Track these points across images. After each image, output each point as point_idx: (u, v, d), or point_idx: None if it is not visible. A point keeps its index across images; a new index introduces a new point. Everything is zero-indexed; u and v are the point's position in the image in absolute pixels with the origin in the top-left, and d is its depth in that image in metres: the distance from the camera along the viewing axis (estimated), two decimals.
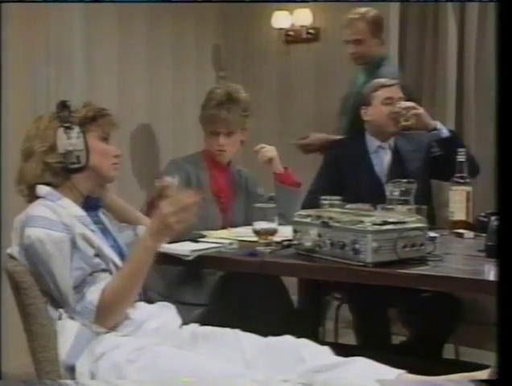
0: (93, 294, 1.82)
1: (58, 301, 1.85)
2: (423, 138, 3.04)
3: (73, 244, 1.84)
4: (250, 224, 2.28)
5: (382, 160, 3.09)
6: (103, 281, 1.86)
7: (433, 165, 3.00)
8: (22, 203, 1.96)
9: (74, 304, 1.82)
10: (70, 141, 1.92)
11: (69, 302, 1.83)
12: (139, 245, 1.89)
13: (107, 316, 1.82)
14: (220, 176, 2.84)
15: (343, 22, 3.69)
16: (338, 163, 3.11)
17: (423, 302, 2.80)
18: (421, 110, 2.97)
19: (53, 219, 1.84)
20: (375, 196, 2.66)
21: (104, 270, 1.89)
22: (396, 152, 3.08)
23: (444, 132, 2.97)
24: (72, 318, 1.84)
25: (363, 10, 3.64)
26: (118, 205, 2.28)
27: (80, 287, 1.82)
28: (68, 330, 1.80)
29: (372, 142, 3.12)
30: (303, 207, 2.93)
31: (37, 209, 1.87)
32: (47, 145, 1.93)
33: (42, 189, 1.92)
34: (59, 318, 1.83)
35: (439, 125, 2.99)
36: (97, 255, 1.88)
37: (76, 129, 1.92)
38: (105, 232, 2.01)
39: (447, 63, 4.11)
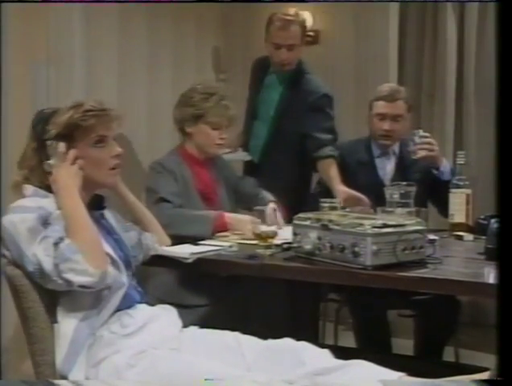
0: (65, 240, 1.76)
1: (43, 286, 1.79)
2: None
3: (46, 222, 1.80)
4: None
5: (385, 165, 3.09)
6: None
7: (430, 182, 2.95)
8: None
9: (48, 266, 1.72)
10: (48, 162, 1.91)
11: (43, 269, 1.73)
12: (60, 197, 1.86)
13: (84, 251, 1.74)
14: (201, 172, 2.84)
15: (276, 23, 3.29)
16: (343, 165, 3.11)
17: (423, 305, 2.80)
18: (436, 152, 2.89)
19: (28, 206, 1.83)
20: (377, 199, 2.66)
21: None
22: (401, 159, 3.06)
23: (446, 175, 2.89)
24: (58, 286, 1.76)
25: (293, 11, 3.41)
26: (131, 206, 2.28)
27: (58, 245, 1.74)
28: (62, 335, 1.78)
29: (376, 147, 3.12)
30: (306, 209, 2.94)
31: (17, 202, 1.87)
32: (30, 167, 1.94)
33: (27, 189, 1.91)
34: (56, 321, 1.81)
35: (443, 165, 2.92)
36: None
37: (53, 145, 1.90)
38: (106, 229, 1.99)
39: (446, 63, 4.11)
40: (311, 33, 4.54)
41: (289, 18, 3.30)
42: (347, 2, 4.32)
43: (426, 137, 2.87)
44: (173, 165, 2.75)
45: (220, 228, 2.58)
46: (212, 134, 2.81)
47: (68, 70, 3.53)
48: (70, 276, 1.72)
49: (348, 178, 3.03)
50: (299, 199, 3.34)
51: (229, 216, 2.60)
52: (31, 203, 1.85)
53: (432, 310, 2.78)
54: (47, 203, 1.86)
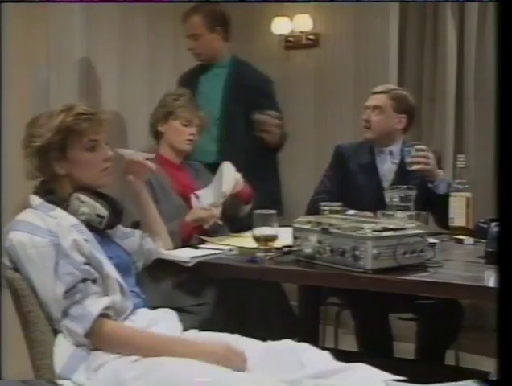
0: (94, 306, 1.77)
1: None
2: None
3: (59, 251, 1.79)
4: None
5: (383, 165, 3.08)
6: (97, 294, 1.81)
7: (427, 192, 2.89)
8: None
9: (56, 312, 1.78)
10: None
11: (49, 309, 1.79)
12: (189, 346, 1.79)
13: (97, 341, 1.77)
14: (179, 175, 2.86)
15: (182, 16, 3.47)
16: (345, 165, 3.11)
17: (425, 309, 2.80)
18: (432, 166, 2.84)
19: (38, 225, 1.81)
20: (376, 201, 2.66)
21: (94, 281, 1.83)
22: (402, 163, 3.03)
23: (441, 189, 2.85)
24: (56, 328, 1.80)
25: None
26: (143, 206, 2.29)
27: (71, 293, 1.77)
28: (62, 347, 1.78)
29: (375, 148, 3.11)
30: (308, 209, 2.94)
31: (24, 215, 1.86)
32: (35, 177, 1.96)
33: (34, 200, 1.90)
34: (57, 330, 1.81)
35: (438, 179, 2.87)
36: (87, 263, 1.83)
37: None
38: (105, 239, 1.99)
39: (446, 66, 4.11)
40: (311, 36, 4.56)
41: (189, 10, 3.42)
42: (347, 6, 4.33)
43: (422, 150, 2.86)
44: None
45: (189, 236, 2.57)
46: (183, 130, 2.88)
47: (68, 71, 3.54)
48: (62, 333, 1.79)
49: (349, 179, 3.04)
50: (272, 191, 3.42)
51: (189, 216, 2.60)
52: (41, 221, 1.83)
53: (435, 314, 2.77)
54: (55, 225, 1.83)
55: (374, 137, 3.06)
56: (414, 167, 2.85)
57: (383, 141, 3.07)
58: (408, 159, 2.87)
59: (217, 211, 2.61)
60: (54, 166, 1.90)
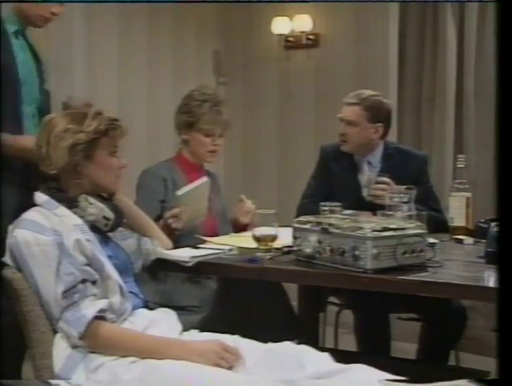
0: (89, 309, 1.78)
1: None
2: (411, 167, 3.02)
3: (62, 250, 1.81)
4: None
5: (362, 175, 3.05)
6: (95, 296, 1.82)
7: None
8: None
9: (56, 312, 1.79)
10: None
11: (50, 308, 1.80)
12: (175, 345, 1.81)
13: (92, 344, 1.78)
14: (196, 177, 2.83)
15: None
16: (328, 166, 3.10)
17: (428, 310, 2.80)
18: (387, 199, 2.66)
19: (43, 224, 1.84)
20: (356, 204, 2.69)
21: (94, 282, 1.84)
22: (383, 171, 3.02)
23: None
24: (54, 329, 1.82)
25: None
26: (130, 211, 2.27)
27: (70, 293, 1.79)
28: (60, 348, 1.79)
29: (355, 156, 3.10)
30: (298, 212, 2.93)
31: (29, 214, 1.88)
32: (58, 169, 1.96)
33: (39, 197, 1.93)
34: (56, 330, 1.82)
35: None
36: (88, 264, 1.85)
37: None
38: (105, 240, 2.01)
39: (446, 66, 4.12)
40: (311, 36, 4.57)
41: None
42: (347, 6, 4.34)
43: (383, 183, 2.82)
44: (164, 170, 2.76)
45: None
46: (205, 141, 2.81)
47: (68, 71, 3.54)
48: (60, 334, 1.81)
49: (333, 181, 3.05)
50: None
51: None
52: (45, 220, 1.85)
53: (439, 316, 2.77)
54: (59, 223, 1.86)
55: (351, 150, 3.04)
56: (370, 199, 2.85)
57: (362, 152, 3.05)
58: (370, 191, 2.86)
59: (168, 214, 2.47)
60: (79, 164, 1.94)
